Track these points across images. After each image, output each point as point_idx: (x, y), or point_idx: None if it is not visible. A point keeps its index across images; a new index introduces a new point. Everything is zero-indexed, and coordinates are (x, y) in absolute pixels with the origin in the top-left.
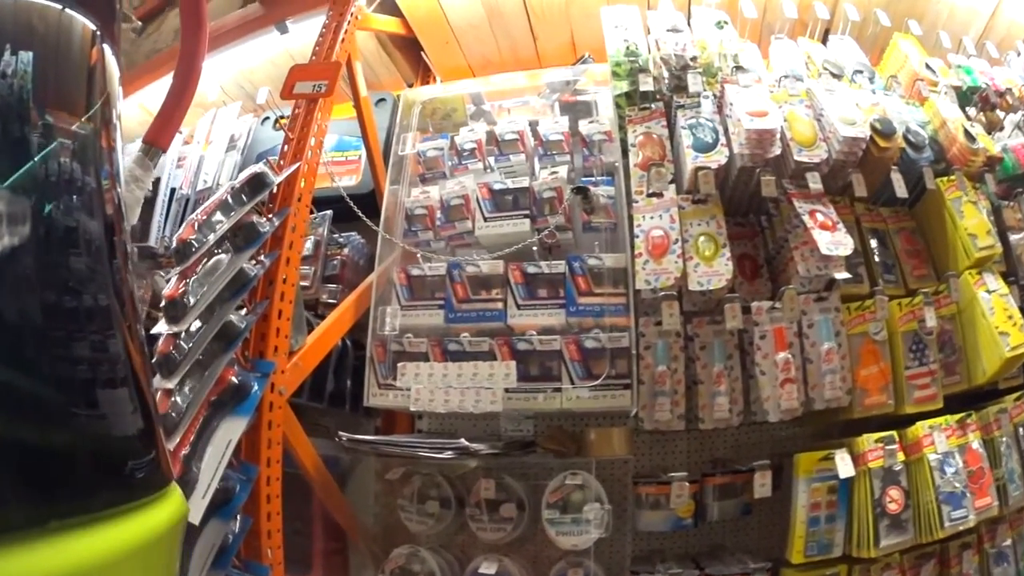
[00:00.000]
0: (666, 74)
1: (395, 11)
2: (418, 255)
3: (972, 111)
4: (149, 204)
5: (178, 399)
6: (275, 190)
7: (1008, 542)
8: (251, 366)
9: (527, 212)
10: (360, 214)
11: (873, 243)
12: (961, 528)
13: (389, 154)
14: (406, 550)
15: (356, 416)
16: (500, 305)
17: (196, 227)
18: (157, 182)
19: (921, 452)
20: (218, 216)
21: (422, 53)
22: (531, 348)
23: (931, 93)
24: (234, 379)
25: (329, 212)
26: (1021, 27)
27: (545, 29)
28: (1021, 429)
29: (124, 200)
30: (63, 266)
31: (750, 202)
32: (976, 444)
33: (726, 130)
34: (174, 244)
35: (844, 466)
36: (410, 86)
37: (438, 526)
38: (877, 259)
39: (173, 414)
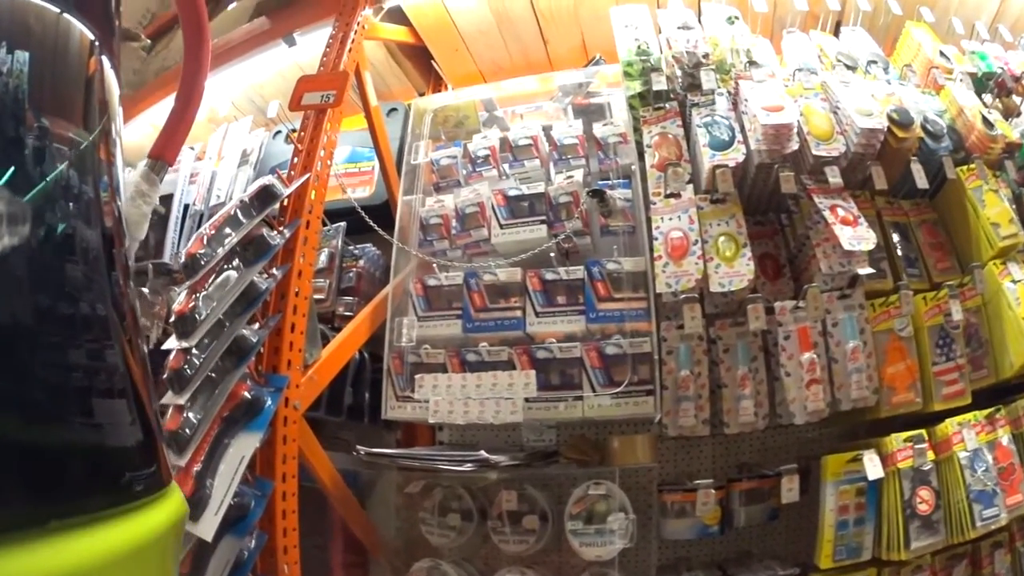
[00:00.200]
0: (679, 72)
1: (403, 20)
2: (434, 265)
3: (988, 97)
4: (163, 220)
5: (190, 415)
6: (285, 202)
7: None
8: (265, 381)
9: (543, 218)
10: (374, 225)
11: (895, 237)
12: (993, 527)
13: (402, 164)
14: (427, 563)
15: (376, 429)
16: (518, 313)
17: (205, 241)
18: (170, 198)
19: (951, 450)
20: (227, 230)
21: (432, 61)
22: (551, 356)
23: (946, 81)
24: (247, 394)
25: (343, 224)
26: None
27: (555, 32)
28: None
29: (127, 216)
30: (57, 271)
31: (769, 200)
32: (1006, 440)
33: (742, 127)
34: (182, 259)
35: (873, 467)
36: (421, 95)
37: (460, 539)
38: (900, 253)
39: (185, 430)
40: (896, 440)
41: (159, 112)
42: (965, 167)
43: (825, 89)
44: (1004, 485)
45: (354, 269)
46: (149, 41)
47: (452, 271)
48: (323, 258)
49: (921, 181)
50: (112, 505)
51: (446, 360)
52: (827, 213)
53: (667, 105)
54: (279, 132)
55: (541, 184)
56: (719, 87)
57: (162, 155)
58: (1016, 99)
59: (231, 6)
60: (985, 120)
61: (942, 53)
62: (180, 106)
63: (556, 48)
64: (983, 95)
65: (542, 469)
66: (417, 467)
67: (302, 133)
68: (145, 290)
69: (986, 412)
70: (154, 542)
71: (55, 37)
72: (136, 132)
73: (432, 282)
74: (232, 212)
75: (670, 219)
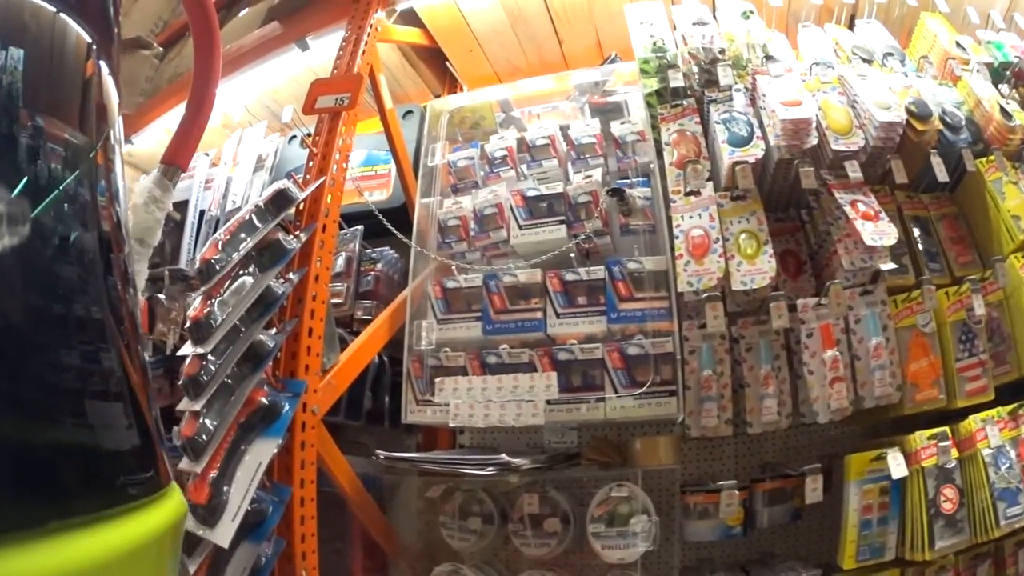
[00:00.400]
0: (695, 69)
1: (416, 22)
2: (453, 267)
3: (1005, 88)
4: (178, 227)
5: (206, 421)
6: (301, 206)
7: None
8: (282, 386)
9: (563, 218)
10: (392, 228)
11: (916, 232)
12: (1017, 526)
13: (419, 166)
14: (448, 568)
15: (396, 433)
16: (539, 315)
17: (220, 246)
18: (185, 204)
19: (974, 447)
20: (242, 235)
21: (447, 63)
22: (572, 358)
23: (963, 72)
24: (264, 400)
25: (360, 227)
26: None
27: (570, 31)
28: None
29: (141, 222)
30: (49, 272)
31: (789, 196)
32: None
33: (761, 123)
34: (197, 264)
35: (897, 466)
36: (437, 97)
37: (481, 543)
38: (921, 248)
39: (201, 436)
40: (920, 438)
41: (173, 119)
42: (984, 159)
43: (842, 83)
44: None
45: (372, 272)
46: (161, 49)
47: (471, 273)
48: (341, 262)
49: (941, 174)
50: (110, 506)
51: (466, 363)
52: (848, 208)
53: (684, 102)
54: (294, 137)
55: (559, 184)
56: (736, 83)
57: (175, 160)
58: None
59: (243, 12)
60: (1003, 111)
61: (958, 44)
62: (192, 111)
63: (571, 47)
64: (1000, 85)
65: (564, 471)
66: (437, 471)
67: (317, 137)
68: (162, 296)
69: (1009, 408)
70: (152, 543)
71: (51, 36)
72: (150, 139)
73: (451, 284)
74: (247, 217)
75: (690, 217)
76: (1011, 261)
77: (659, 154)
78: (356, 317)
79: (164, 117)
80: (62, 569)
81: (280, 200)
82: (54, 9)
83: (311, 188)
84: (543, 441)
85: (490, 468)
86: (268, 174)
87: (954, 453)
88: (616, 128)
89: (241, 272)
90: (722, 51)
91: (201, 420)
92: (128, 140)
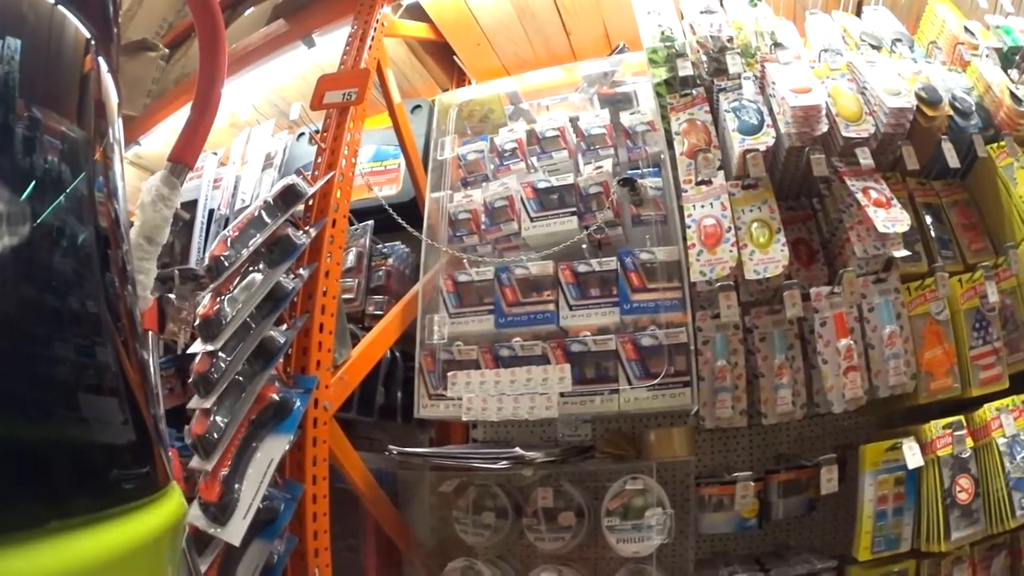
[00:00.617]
0: (704, 58)
1: (423, 16)
2: (464, 260)
3: (1015, 73)
4: (188, 226)
5: (216, 418)
6: (311, 202)
7: None
8: (293, 382)
9: (574, 209)
10: (402, 222)
11: (928, 219)
12: None
13: (428, 160)
14: (461, 563)
15: (409, 428)
16: (552, 307)
17: (229, 243)
18: (194, 204)
19: (989, 436)
20: (251, 231)
21: (454, 56)
22: (586, 349)
23: (973, 57)
24: (275, 396)
25: (370, 223)
26: None
27: (577, 23)
28: None
29: (148, 220)
30: (41, 264)
31: (801, 184)
32: None
33: (771, 110)
34: (206, 261)
35: (912, 456)
36: (445, 91)
37: (495, 537)
38: (933, 235)
39: (212, 434)
40: (935, 427)
41: (180, 120)
42: (995, 145)
43: (851, 70)
44: None
45: (383, 267)
46: (167, 50)
47: (483, 266)
48: (351, 257)
49: (952, 160)
50: (109, 506)
51: (479, 356)
52: (860, 195)
53: (694, 91)
54: (302, 134)
55: (570, 175)
56: (745, 71)
57: (181, 158)
58: None
59: (248, 11)
60: (1013, 96)
61: (967, 29)
62: (198, 110)
63: (579, 39)
64: (1010, 70)
65: (578, 465)
66: (451, 465)
67: (325, 132)
68: (172, 296)
69: (1023, 396)
70: (152, 543)
71: (49, 28)
72: (158, 140)
73: (463, 278)
74: (256, 213)
75: (702, 206)
76: (1023, 248)
77: (669, 144)
78: (367, 312)
79: (171, 118)
80: (62, 569)
81: (289, 196)
82: (52, 1)
83: (320, 183)
84: (557, 434)
85: (504, 462)
86: (277, 172)
87: (969, 442)
88: (626, 118)
89: (251, 268)
90: (730, 39)
91: (212, 417)
92: (136, 141)
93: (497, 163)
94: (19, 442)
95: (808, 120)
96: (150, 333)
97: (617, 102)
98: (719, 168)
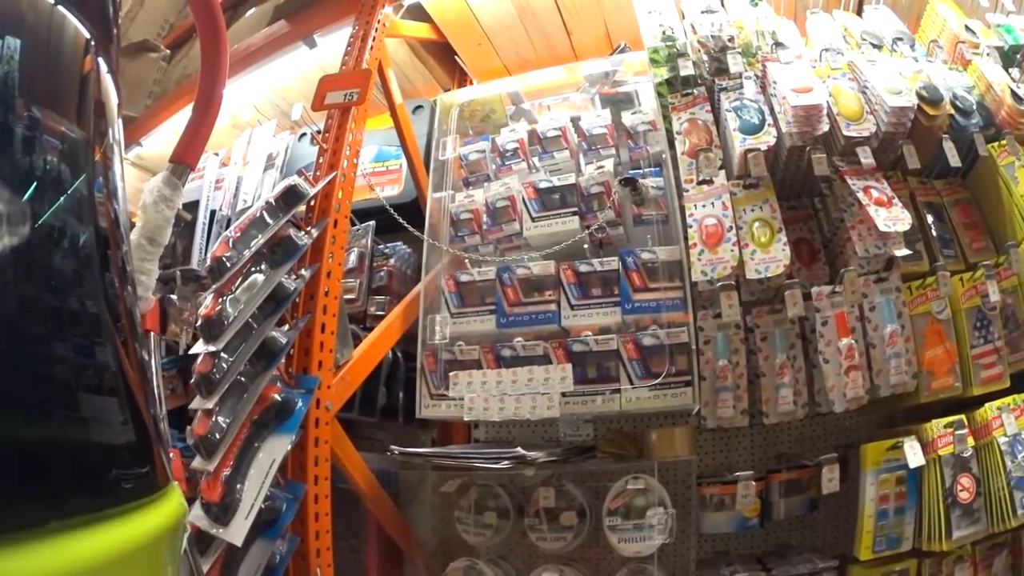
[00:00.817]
0: (705, 57)
1: (424, 17)
2: (466, 260)
3: (1016, 72)
4: (190, 227)
5: (219, 419)
6: (312, 203)
7: None
8: (295, 382)
9: (575, 209)
10: (404, 223)
11: (929, 218)
12: None
13: (430, 161)
14: (463, 563)
15: (411, 428)
16: (553, 307)
17: (230, 244)
18: (196, 205)
19: (991, 435)
20: (253, 232)
21: (455, 56)
22: (587, 349)
23: (974, 56)
24: (277, 396)
25: (372, 223)
26: None
27: (578, 23)
28: None
29: (150, 220)
30: (42, 264)
31: (802, 184)
32: None
33: (772, 110)
34: (208, 262)
35: (914, 455)
36: (446, 91)
37: (496, 537)
38: (935, 234)
39: (214, 434)
40: (937, 426)
41: (182, 121)
42: (996, 144)
43: (852, 69)
44: None
45: (385, 268)
46: (168, 51)
47: (484, 266)
48: (353, 258)
49: (954, 159)
50: (109, 506)
51: (480, 356)
52: (861, 195)
53: (695, 91)
54: (304, 135)
55: (571, 175)
56: (746, 70)
57: (183, 159)
58: None
59: (250, 11)
60: (1014, 95)
61: (968, 27)
62: (199, 111)
63: (580, 39)
64: (1011, 69)
65: (580, 465)
66: (452, 465)
67: (327, 133)
68: (174, 297)
69: None
70: (151, 543)
71: (48, 28)
72: (160, 141)
73: (464, 278)
74: (258, 214)
75: (703, 206)
76: None
77: (671, 143)
78: (369, 313)
79: (172, 119)
80: (62, 569)
81: (291, 196)
82: (52, 1)
83: (322, 184)
84: (558, 434)
85: (505, 462)
86: (279, 172)
87: (970, 441)
88: (627, 118)
89: (253, 269)
90: (731, 39)
91: (214, 418)
92: (137, 142)
93: (499, 163)
94: (19, 442)
95: (809, 119)
96: (151, 333)
97: (618, 102)
98: (720, 167)
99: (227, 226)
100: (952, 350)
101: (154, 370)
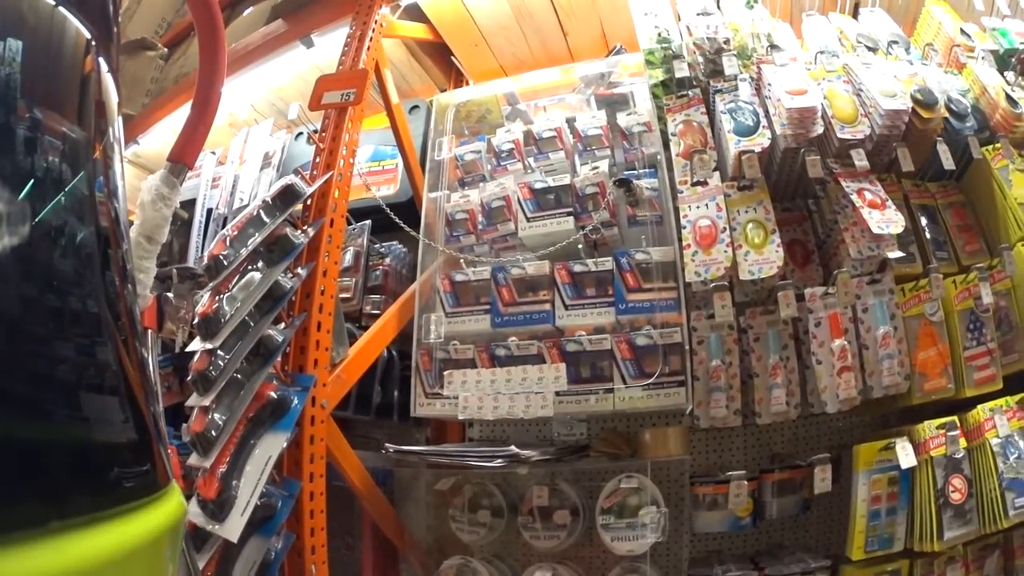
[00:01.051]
0: (701, 59)
1: (421, 17)
2: (461, 260)
3: (1011, 75)
4: (186, 225)
5: (215, 416)
6: (309, 202)
7: None
8: (291, 380)
9: (570, 210)
10: (400, 222)
11: (923, 220)
12: None
13: (426, 161)
14: (457, 561)
15: (406, 427)
16: (548, 307)
17: (227, 242)
18: (193, 203)
19: (983, 437)
20: (250, 230)
21: (452, 57)
22: (581, 349)
23: (969, 59)
24: (273, 394)
25: (368, 222)
26: None
27: (575, 24)
28: None
29: (148, 219)
30: (44, 264)
31: (796, 185)
32: None
33: (766, 112)
34: (205, 260)
35: (905, 456)
36: (443, 91)
37: (490, 535)
38: (928, 236)
39: (210, 431)
40: (929, 427)
41: (179, 119)
42: (991, 147)
43: (847, 71)
44: None
45: (380, 267)
46: (166, 50)
47: (479, 266)
48: (349, 257)
49: (948, 162)
50: (109, 506)
51: (475, 355)
52: (854, 197)
53: (690, 92)
54: (300, 134)
55: (567, 176)
56: (741, 72)
57: (181, 158)
58: None
59: (247, 11)
60: (1009, 98)
61: (963, 31)
62: (197, 109)
63: (576, 40)
64: (1006, 72)
65: (573, 463)
66: (447, 463)
67: (323, 132)
68: (170, 295)
69: (1018, 397)
70: (152, 543)
71: (49, 29)
72: (157, 140)
73: (460, 277)
74: (255, 212)
75: (698, 207)
76: (1018, 249)
77: (665, 145)
78: (365, 311)
79: (170, 117)
80: (62, 569)
81: (288, 195)
82: (53, 2)
83: (318, 183)
84: (552, 434)
85: (499, 460)
86: (275, 171)
87: (963, 443)
88: (622, 119)
89: (249, 267)
90: (727, 41)
91: (210, 415)
92: (135, 140)
93: (494, 163)
94: (19, 442)
95: (804, 122)
96: (149, 331)
97: (614, 103)
98: (715, 169)
99: (224, 225)
100: (945, 352)
101: (152, 368)
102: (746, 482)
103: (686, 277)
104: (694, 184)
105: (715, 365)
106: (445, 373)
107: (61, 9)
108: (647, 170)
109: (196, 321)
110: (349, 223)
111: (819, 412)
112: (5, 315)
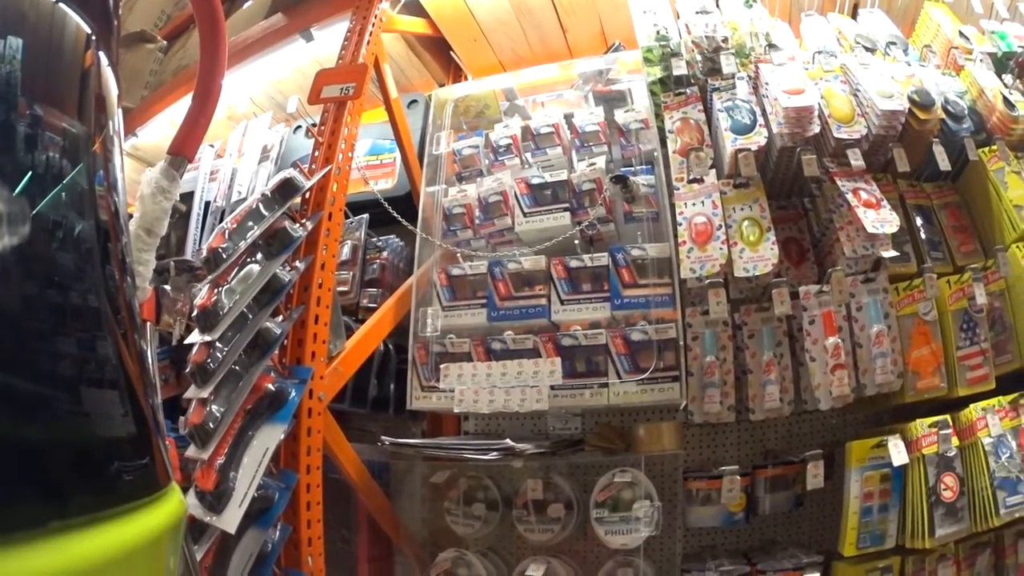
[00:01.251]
0: (699, 57)
1: (420, 12)
2: (458, 254)
3: (1009, 78)
4: (184, 218)
5: (213, 408)
6: (307, 195)
7: None
8: (289, 373)
9: (567, 205)
10: (397, 216)
11: (918, 220)
12: (1017, 515)
13: (424, 155)
14: (452, 554)
15: (401, 420)
16: (543, 301)
17: (227, 235)
18: (190, 196)
19: (975, 436)
20: (249, 223)
21: (451, 52)
22: (576, 344)
23: (967, 61)
24: (271, 386)
25: (365, 216)
26: None
27: (574, 21)
28: None
29: (148, 212)
30: (46, 259)
31: (792, 184)
32: None
33: (763, 111)
34: (204, 253)
35: (897, 453)
36: (441, 86)
37: (485, 528)
38: (923, 236)
39: (208, 423)
40: (921, 425)
41: (178, 112)
42: (987, 149)
43: (845, 72)
44: None
45: (378, 261)
46: (165, 43)
47: (476, 260)
48: (346, 250)
49: (943, 163)
50: (109, 505)
51: (471, 349)
52: (850, 196)
53: (688, 90)
54: (299, 127)
55: (564, 172)
56: (739, 71)
57: (181, 151)
58: None
59: (247, 4)
60: (1006, 101)
61: (962, 33)
62: (198, 102)
63: (575, 36)
64: (1003, 75)
65: (568, 457)
66: (442, 456)
67: (322, 126)
68: (167, 287)
69: (1010, 397)
70: (152, 543)
71: (50, 26)
72: (155, 132)
73: (456, 272)
74: (254, 206)
75: (694, 204)
76: (1013, 251)
77: (663, 142)
78: (362, 305)
79: (169, 110)
80: (62, 569)
81: (286, 189)
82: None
83: (317, 177)
84: (547, 428)
85: (494, 453)
86: (274, 164)
87: (955, 441)
88: (620, 116)
89: (248, 260)
90: (725, 40)
91: (209, 407)
92: (133, 133)
93: (492, 158)
94: (20, 440)
95: (800, 121)
96: (148, 324)
97: (612, 100)
98: (711, 167)
99: (221, 218)
100: (938, 351)
101: (152, 361)
102: (739, 477)
103: (681, 273)
104: (690, 181)
105: (709, 361)
106: (441, 366)
107: (61, 6)
108: (644, 167)
109: (195, 313)
110: (347, 217)
111: (812, 409)
112: (6, 309)
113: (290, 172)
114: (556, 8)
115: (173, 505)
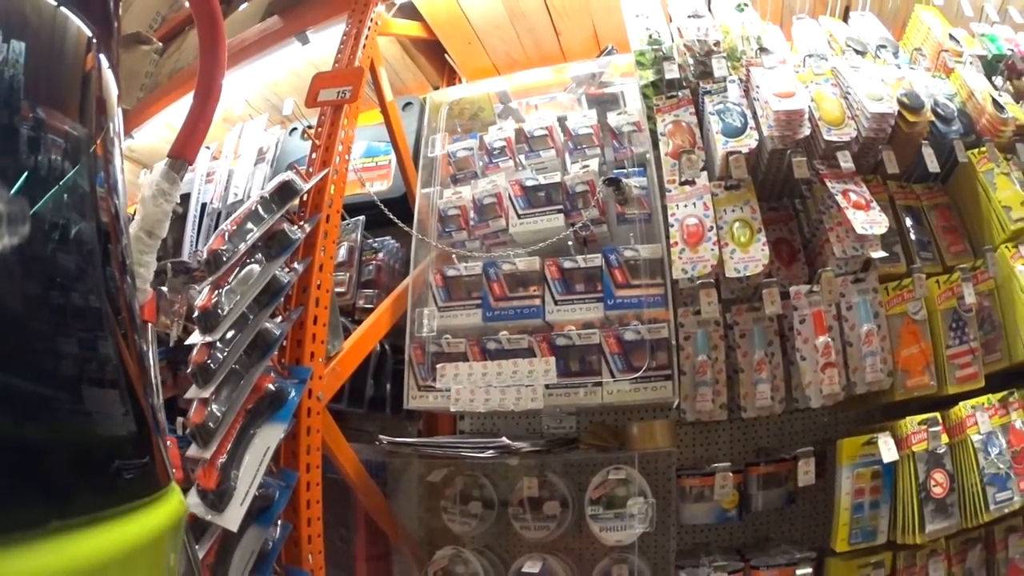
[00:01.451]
0: (691, 61)
1: (415, 15)
2: (453, 255)
3: (999, 80)
4: (180, 220)
5: (214, 408)
6: (305, 197)
7: None
8: (288, 373)
9: (560, 207)
10: (393, 218)
11: (908, 221)
12: (1007, 511)
13: (419, 157)
14: (449, 551)
15: (398, 419)
16: (538, 302)
17: (227, 237)
18: (187, 198)
19: (964, 433)
20: (249, 225)
21: (446, 55)
22: (570, 343)
23: (956, 64)
24: (271, 386)
25: (362, 218)
26: None
27: (567, 24)
28: None
29: (149, 214)
30: (47, 261)
31: (783, 186)
32: (1019, 423)
33: (754, 113)
34: (204, 255)
35: (888, 450)
36: (436, 89)
37: (481, 526)
38: (913, 237)
39: (210, 423)
40: (911, 423)
41: (173, 114)
42: (976, 150)
43: (835, 74)
44: (1018, 469)
45: (374, 262)
46: (160, 44)
47: (471, 261)
48: (343, 252)
49: (932, 165)
50: (110, 505)
51: (467, 349)
52: (840, 198)
53: (680, 93)
54: (295, 129)
55: (557, 174)
56: (731, 74)
57: (182, 154)
58: None
59: (243, 6)
60: (996, 103)
61: (952, 36)
62: (198, 104)
63: (568, 40)
64: (993, 78)
65: (562, 455)
66: (439, 455)
67: (319, 129)
68: (165, 289)
69: (999, 395)
70: (152, 543)
71: (52, 30)
72: (151, 134)
73: (452, 272)
74: (253, 208)
75: (685, 206)
76: (1002, 251)
77: (655, 144)
78: (358, 306)
79: (164, 112)
80: (62, 569)
81: (285, 191)
82: (55, 3)
83: (315, 179)
84: (542, 427)
85: (490, 451)
86: (269, 166)
87: (944, 438)
88: (613, 119)
89: (248, 261)
90: (717, 43)
91: (210, 407)
92: (129, 135)
93: (486, 160)
94: (20, 440)
95: (791, 124)
96: (149, 325)
97: (604, 103)
98: (703, 169)
99: (217, 219)
100: (927, 350)
101: (152, 362)
102: (731, 474)
103: (673, 274)
104: (682, 183)
105: (701, 360)
106: (437, 366)
107: (63, 9)
108: (636, 169)
109: (196, 314)
110: (343, 218)
111: (803, 407)
112: (7, 310)
113: (288, 175)
114: (550, 12)
115: (173, 505)
